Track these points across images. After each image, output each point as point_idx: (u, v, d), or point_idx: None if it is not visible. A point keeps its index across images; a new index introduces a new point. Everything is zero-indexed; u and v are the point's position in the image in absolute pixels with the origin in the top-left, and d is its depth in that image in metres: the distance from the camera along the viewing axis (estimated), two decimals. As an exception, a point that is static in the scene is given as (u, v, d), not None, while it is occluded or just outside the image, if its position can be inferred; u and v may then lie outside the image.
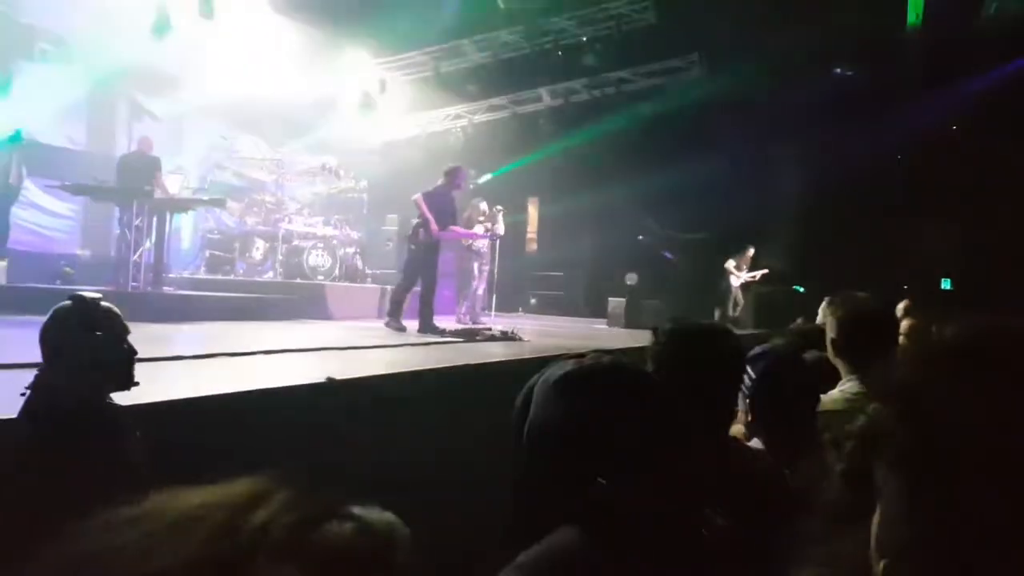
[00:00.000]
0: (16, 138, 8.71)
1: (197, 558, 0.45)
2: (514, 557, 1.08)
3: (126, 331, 2.16)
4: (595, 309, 12.08)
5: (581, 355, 1.21)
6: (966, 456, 0.64)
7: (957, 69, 11.66)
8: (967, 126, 12.41)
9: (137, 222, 7.47)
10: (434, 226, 7.10)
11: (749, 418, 2.07)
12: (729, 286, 12.36)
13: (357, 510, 0.54)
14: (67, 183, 8.46)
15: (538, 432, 1.13)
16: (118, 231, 8.23)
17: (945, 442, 0.66)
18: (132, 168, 8.41)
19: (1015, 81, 11.55)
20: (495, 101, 13.22)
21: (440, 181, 7.44)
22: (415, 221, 7.18)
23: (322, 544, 0.49)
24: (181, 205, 8.62)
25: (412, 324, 7.23)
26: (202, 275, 10.05)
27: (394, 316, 7.13)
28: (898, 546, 0.68)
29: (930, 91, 11.94)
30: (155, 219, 7.72)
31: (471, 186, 9.45)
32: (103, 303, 2.12)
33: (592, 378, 1.13)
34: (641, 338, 8.13)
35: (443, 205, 7.25)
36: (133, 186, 7.85)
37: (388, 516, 0.56)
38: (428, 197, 7.23)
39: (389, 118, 13.64)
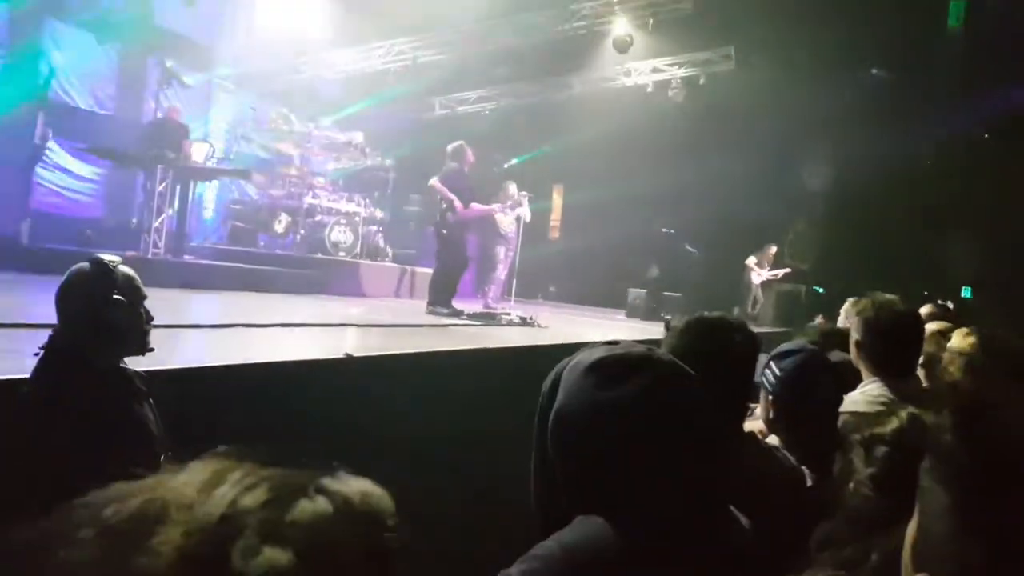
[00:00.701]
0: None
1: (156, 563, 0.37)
2: (530, 546, 1.04)
3: (143, 296, 2.13)
4: (615, 299, 12.00)
5: (613, 343, 1.16)
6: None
7: (996, 75, 11.38)
8: (1000, 134, 12.14)
9: (160, 188, 7.47)
10: (459, 205, 7.06)
11: (770, 415, 2.02)
12: (750, 283, 12.24)
13: (327, 481, 0.46)
14: (94, 146, 8.50)
15: (566, 418, 1.07)
16: (141, 197, 8.24)
17: (1006, 463, 0.62)
18: (159, 134, 8.41)
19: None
20: (523, 86, 13.12)
21: (451, 163, 7.38)
22: (443, 206, 7.13)
23: (296, 529, 0.41)
24: (206, 174, 8.63)
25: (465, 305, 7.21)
26: (224, 245, 10.08)
27: (437, 304, 7.06)
28: (939, 562, 0.64)
29: (967, 97, 11.68)
30: (179, 187, 7.72)
31: (496, 169, 9.38)
32: (121, 267, 2.09)
33: (626, 366, 1.07)
34: (656, 328, 8.06)
35: (460, 184, 7.21)
36: (159, 152, 7.86)
37: (366, 485, 0.48)
38: (444, 180, 7.19)
39: (418, 98, 13.61)
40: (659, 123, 12.80)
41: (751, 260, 12.29)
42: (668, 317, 1.88)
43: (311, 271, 8.63)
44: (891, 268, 11.86)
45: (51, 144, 9.47)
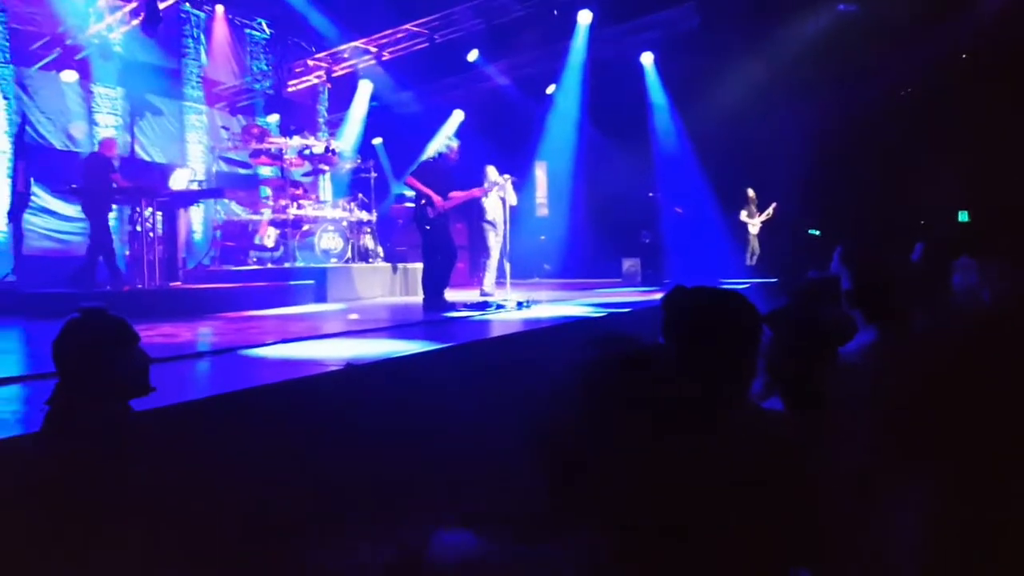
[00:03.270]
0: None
1: None
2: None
3: (136, 338, 2.17)
4: (611, 269, 12.04)
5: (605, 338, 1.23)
6: None
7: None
8: (977, 56, 12.05)
9: (148, 222, 7.49)
10: (437, 198, 7.05)
11: (766, 379, 2.02)
12: (747, 236, 12.30)
13: None
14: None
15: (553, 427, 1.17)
16: (129, 230, 8.25)
17: None
18: (91, 169, 8.32)
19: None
20: (493, 68, 13.05)
21: (430, 154, 7.44)
22: (421, 202, 7.13)
23: None
24: (184, 200, 8.61)
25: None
26: (216, 267, 10.11)
27: (432, 299, 7.11)
28: None
29: (939, 22, 11.58)
30: (162, 216, 7.74)
31: None
32: (111, 314, 2.13)
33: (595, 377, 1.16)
34: (654, 295, 8.11)
35: (437, 175, 7.19)
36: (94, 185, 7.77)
37: None
38: (419, 174, 7.20)
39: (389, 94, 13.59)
40: (634, 86, 12.77)
41: (743, 214, 12.34)
42: (664, 296, 1.88)
43: (305, 281, 8.67)
44: (886, 200, 11.86)
45: (35, 189, 9.49)
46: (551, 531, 1.12)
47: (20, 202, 9.06)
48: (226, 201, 11.10)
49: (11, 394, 3.15)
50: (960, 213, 12.96)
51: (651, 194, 12.43)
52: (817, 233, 12.57)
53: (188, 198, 8.88)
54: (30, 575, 1.70)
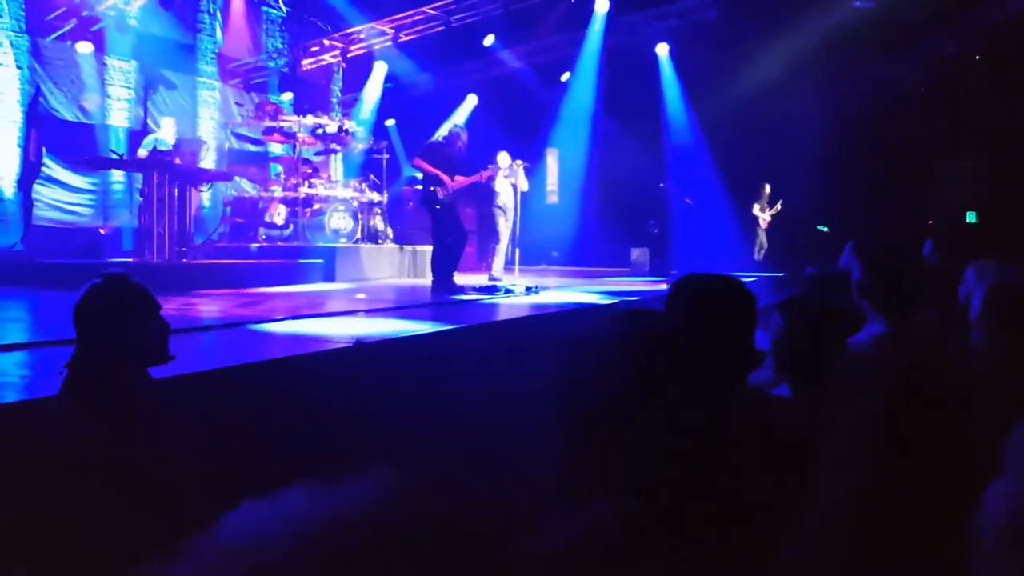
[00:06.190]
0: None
1: None
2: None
3: (157, 306, 2.18)
4: (619, 259, 12.04)
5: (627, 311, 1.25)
6: None
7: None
8: (990, 56, 11.93)
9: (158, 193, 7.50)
10: (446, 178, 7.04)
11: (777, 365, 2.04)
12: (756, 230, 12.28)
13: None
14: (88, 157, 8.52)
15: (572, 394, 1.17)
16: (138, 203, 8.25)
17: None
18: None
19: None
20: (508, 54, 12.98)
21: (438, 136, 7.42)
22: (431, 188, 7.10)
23: None
24: (194, 178, 8.58)
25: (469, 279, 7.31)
26: (225, 243, 10.13)
27: (441, 282, 7.11)
28: None
29: (953, 21, 11.48)
30: (176, 190, 7.74)
31: None
32: (132, 280, 2.14)
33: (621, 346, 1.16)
34: (662, 284, 8.09)
35: (441, 158, 7.18)
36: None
37: None
38: (426, 155, 7.18)
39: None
40: (648, 78, 12.71)
41: (756, 208, 12.31)
42: (671, 280, 1.91)
43: (314, 260, 8.69)
44: (894, 199, 11.80)
45: (46, 160, 9.51)
46: (567, 499, 1.13)
47: (31, 172, 9.09)
48: (237, 178, 11.11)
49: (20, 360, 3.18)
50: (968, 214, 12.90)
51: (662, 184, 12.40)
52: (825, 229, 12.52)
53: (200, 177, 8.85)
54: (43, 535, 1.71)
